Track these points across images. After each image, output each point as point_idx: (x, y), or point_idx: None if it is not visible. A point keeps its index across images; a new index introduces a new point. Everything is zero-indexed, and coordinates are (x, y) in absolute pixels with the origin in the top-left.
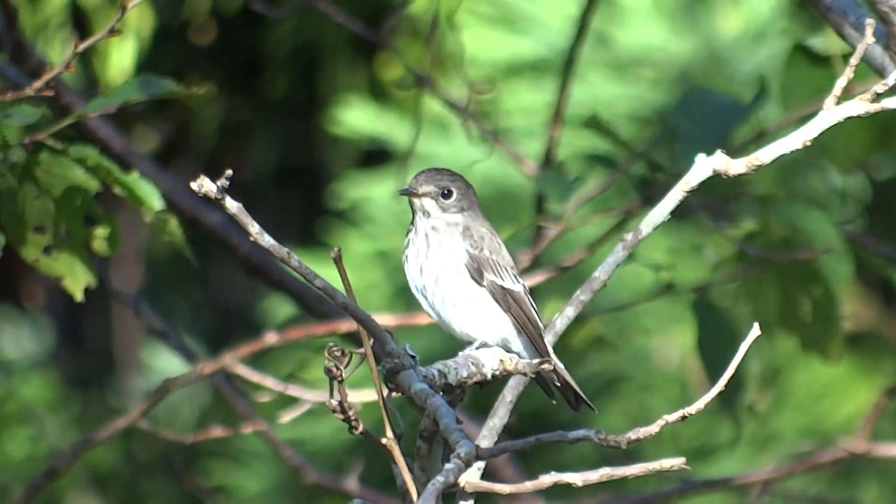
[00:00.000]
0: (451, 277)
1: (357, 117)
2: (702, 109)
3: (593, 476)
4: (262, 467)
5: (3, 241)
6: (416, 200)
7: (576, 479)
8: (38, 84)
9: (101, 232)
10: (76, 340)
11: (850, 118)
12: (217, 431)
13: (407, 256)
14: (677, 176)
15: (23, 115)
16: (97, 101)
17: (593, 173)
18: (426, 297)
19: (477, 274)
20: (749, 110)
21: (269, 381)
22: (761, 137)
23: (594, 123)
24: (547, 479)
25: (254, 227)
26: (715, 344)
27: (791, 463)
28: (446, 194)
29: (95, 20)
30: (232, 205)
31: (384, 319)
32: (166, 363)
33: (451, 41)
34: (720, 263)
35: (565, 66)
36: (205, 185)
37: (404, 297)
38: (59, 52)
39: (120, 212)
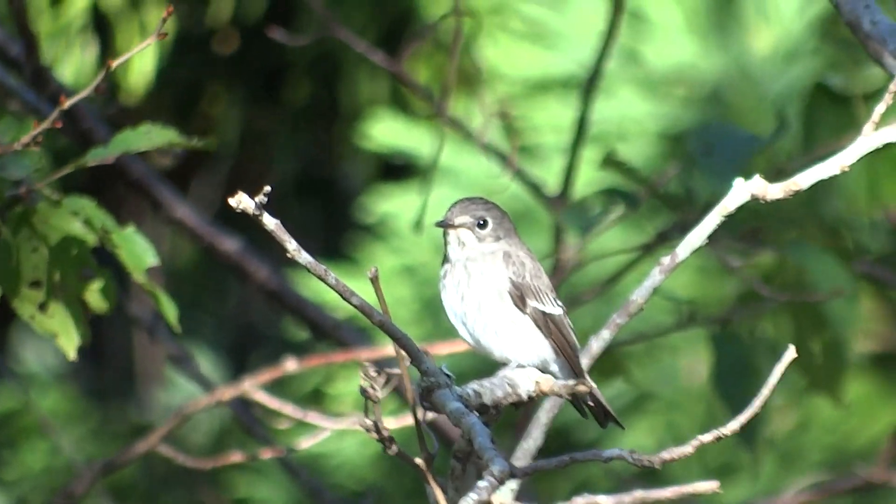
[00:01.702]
0: (495, 305)
1: (384, 131)
2: (720, 140)
3: (626, 499)
4: (284, 480)
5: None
6: (451, 231)
7: (608, 501)
8: (54, 115)
9: (96, 286)
10: (97, 354)
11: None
12: (235, 457)
13: (445, 286)
14: (696, 206)
15: (18, 166)
16: (96, 152)
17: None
18: (465, 324)
19: (520, 301)
20: (767, 143)
21: (288, 408)
22: (781, 175)
23: (610, 162)
24: (579, 501)
25: (291, 244)
26: (731, 375)
27: (811, 491)
28: (482, 224)
29: (117, 24)
30: (270, 221)
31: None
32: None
33: (470, 64)
34: (741, 297)
35: (587, 89)
36: (243, 201)
37: (430, 313)
38: (79, 58)
39: (141, 225)
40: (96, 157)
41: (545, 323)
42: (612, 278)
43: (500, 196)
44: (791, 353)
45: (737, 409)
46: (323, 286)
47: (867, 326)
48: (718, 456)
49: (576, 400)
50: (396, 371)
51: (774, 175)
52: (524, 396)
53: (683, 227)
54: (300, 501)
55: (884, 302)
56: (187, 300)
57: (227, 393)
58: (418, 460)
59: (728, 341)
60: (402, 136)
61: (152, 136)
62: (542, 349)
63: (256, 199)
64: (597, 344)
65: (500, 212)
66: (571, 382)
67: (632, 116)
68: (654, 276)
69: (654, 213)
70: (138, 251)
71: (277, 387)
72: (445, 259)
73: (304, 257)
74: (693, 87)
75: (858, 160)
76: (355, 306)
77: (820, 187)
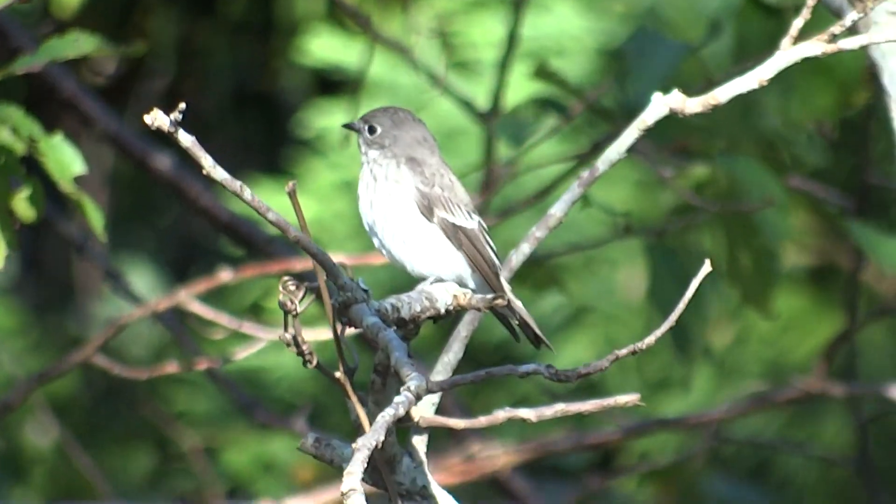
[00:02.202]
0: (400, 212)
1: (321, 46)
2: (650, 48)
3: (548, 412)
4: (221, 393)
5: None
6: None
7: (530, 414)
8: None
9: (24, 195)
10: (37, 268)
11: (807, 60)
12: (171, 368)
13: (359, 193)
14: (629, 119)
15: None
16: (24, 60)
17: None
18: (376, 234)
19: (427, 210)
20: (694, 50)
21: (223, 319)
22: (711, 85)
23: (542, 73)
24: (501, 415)
25: (207, 161)
26: (667, 287)
27: (746, 402)
28: (371, 130)
29: None
30: (186, 138)
31: (339, 258)
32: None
33: None
34: (675, 208)
35: (517, 2)
36: (158, 118)
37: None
38: None
39: (81, 137)
40: (24, 65)
41: (455, 235)
42: (545, 190)
43: (428, 111)
44: (707, 267)
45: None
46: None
47: (804, 240)
48: (659, 370)
49: (501, 317)
50: (315, 284)
51: (705, 87)
52: (442, 310)
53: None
54: (237, 414)
55: (820, 217)
56: (128, 215)
57: (163, 303)
58: (338, 374)
59: (663, 253)
60: (338, 52)
61: (80, 44)
62: (455, 263)
63: (171, 116)
64: (516, 258)
65: (392, 122)
66: (490, 297)
67: (569, 32)
68: (574, 190)
69: (591, 126)
70: (65, 160)
71: (216, 300)
72: (363, 163)
73: (219, 174)
74: (630, 2)
75: (786, 73)
76: (271, 222)
77: (753, 101)
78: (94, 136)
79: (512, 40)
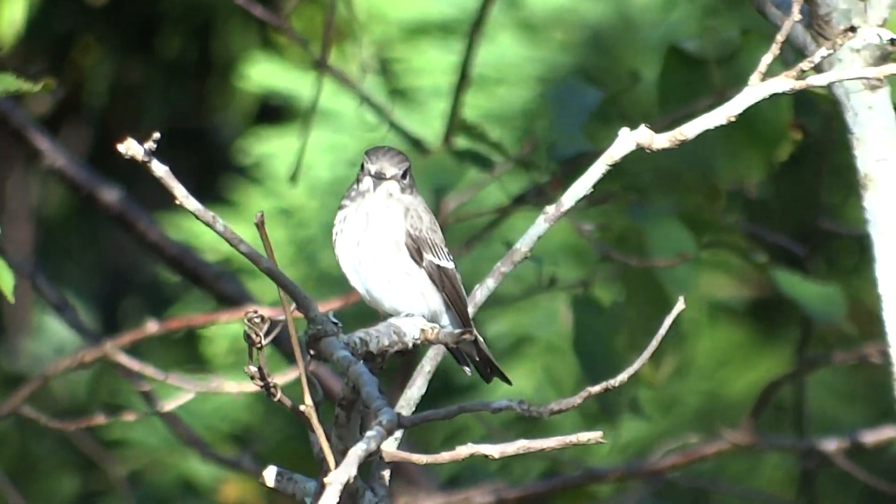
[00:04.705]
0: (391, 255)
1: (261, 72)
2: (572, 100)
3: (510, 448)
4: (159, 423)
5: None
6: (383, 183)
7: (492, 450)
8: None
9: None
10: None
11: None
12: (99, 419)
13: (342, 230)
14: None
15: None
16: None
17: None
18: (358, 273)
19: (416, 254)
20: (608, 98)
21: (149, 370)
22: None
23: (466, 128)
24: (464, 451)
25: (180, 191)
26: (591, 337)
27: (677, 455)
28: (404, 175)
29: None
30: (159, 168)
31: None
32: (58, 326)
33: (346, 12)
34: (600, 260)
35: (470, 35)
36: (131, 147)
37: (305, 256)
38: None
39: (11, 172)
40: None
41: (440, 277)
42: (479, 233)
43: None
44: (681, 304)
45: (593, 371)
46: (196, 230)
47: (745, 274)
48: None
49: (458, 351)
50: (281, 318)
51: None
52: (410, 344)
53: (539, 191)
54: (174, 443)
55: (762, 250)
56: (58, 248)
57: (89, 355)
58: (303, 407)
59: (587, 304)
60: (279, 78)
61: (16, 83)
62: (434, 302)
63: (146, 145)
64: (481, 293)
65: (410, 162)
66: (457, 331)
67: (511, 61)
68: (539, 225)
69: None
70: None
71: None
72: (343, 206)
73: (192, 204)
74: (573, 31)
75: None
76: (243, 253)
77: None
78: (38, 168)
79: (464, 76)
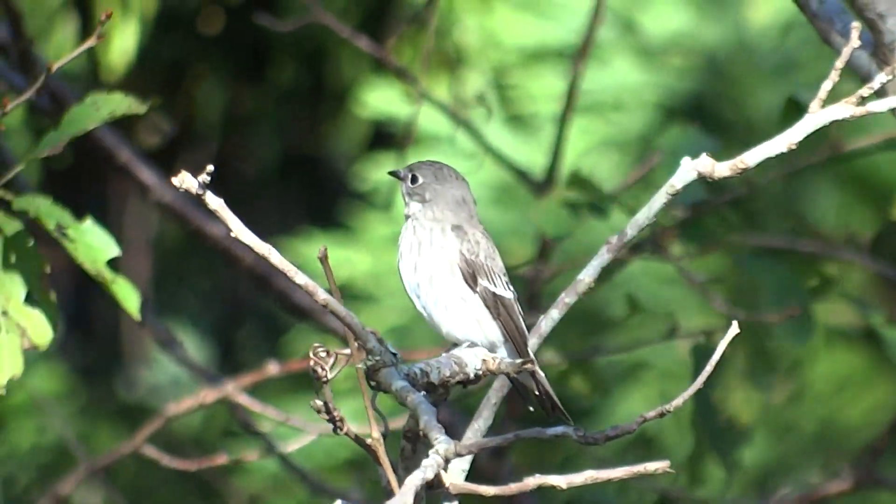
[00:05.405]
0: (446, 279)
1: (378, 97)
2: (684, 146)
3: (577, 479)
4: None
5: None
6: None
7: (560, 481)
8: (32, 90)
9: (37, 320)
10: (85, 331)
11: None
12: (220, 459)
13: (401, 254)
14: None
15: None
16: (48, 138)
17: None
18: (419, 297)
19: (471, 279)
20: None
21: (270, 411)
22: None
23: (577, 181)
24: (531, 482)
25: (234, 223)
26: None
27: (794, 497)
28: (413, 179)
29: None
30: (213, 200)
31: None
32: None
33: (450, 44)
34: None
35: (576, 62)
36: (186, 180)
37: None
38: (60, 35)
39: (127, 199)
40: (48, 145)
41: (495, 304)
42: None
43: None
44: (735, 328)
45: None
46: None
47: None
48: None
49: (521, 386)
50: (346, 351)
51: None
52: (471, 375)
53: (655, 241)
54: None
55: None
56: (174, 278)
57: (210, 395)
58: (369, 440)
59: (706, 354)
60: (393, 103)
61: (100, 109)
62: (491, 331)
63: (199, 178)
64: (546, 324)
65: (438, 176)
66: (518, 361)
67: (628, 86)
68: (602, 255)
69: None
70: (97, 244)
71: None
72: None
73: (246, 236)
74: (690, 56)
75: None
76: (300, 285)
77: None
78: (147, 203)
79: (570, 102)
